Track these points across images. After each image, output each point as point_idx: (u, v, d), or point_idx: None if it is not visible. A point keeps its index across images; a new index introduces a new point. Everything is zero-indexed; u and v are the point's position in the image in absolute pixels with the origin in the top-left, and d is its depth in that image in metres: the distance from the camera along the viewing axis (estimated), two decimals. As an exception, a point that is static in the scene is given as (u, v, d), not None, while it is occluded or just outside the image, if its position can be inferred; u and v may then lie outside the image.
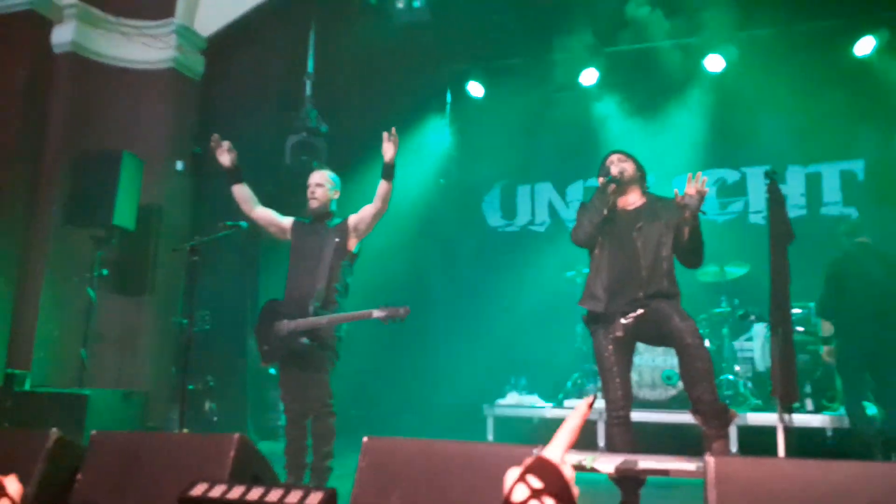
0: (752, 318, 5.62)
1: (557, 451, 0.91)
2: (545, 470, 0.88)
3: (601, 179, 3.65)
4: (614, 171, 3.60)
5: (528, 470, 0.88)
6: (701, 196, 3.32)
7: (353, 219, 4.14)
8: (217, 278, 6.17)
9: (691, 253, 3.48)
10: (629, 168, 3.67)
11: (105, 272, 5.60)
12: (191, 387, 4.46)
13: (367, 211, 4.11)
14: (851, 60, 6.86)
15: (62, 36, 6.05)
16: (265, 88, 7.28)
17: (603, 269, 3.58)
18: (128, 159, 5.63)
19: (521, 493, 0.85)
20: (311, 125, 6.17)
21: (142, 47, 6.31)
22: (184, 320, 5.92)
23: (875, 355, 5.01)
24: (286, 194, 6.97)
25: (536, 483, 0.86)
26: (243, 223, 4.31)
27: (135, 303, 6.01)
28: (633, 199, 3.67)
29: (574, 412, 0.96)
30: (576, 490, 0.90)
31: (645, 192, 3.71)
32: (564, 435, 0.94)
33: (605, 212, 3.55)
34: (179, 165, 6.38)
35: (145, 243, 6.02)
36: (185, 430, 4.19)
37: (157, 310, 6.06)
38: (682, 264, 3.57)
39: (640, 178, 3.71)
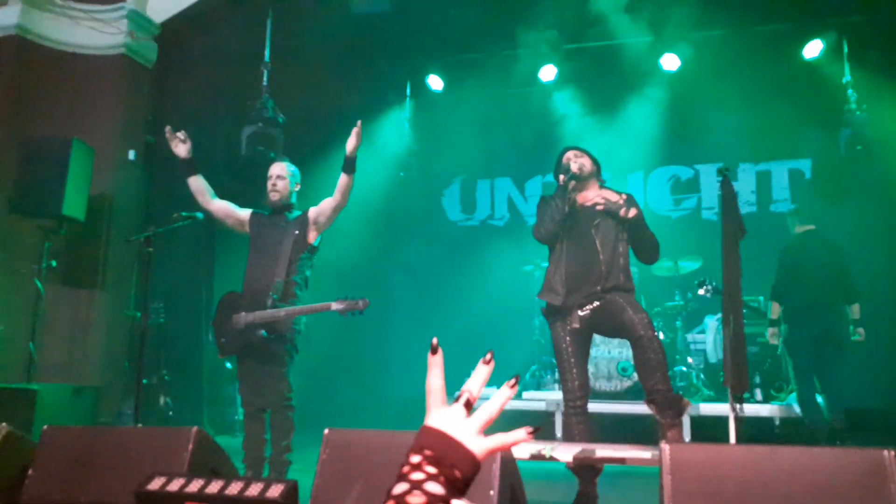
0: (709, 287, 5.76)
1: (470, 427, 0.89)
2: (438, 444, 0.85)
3: (562, 178, 3.67)
4: (574, 167, 3.64)
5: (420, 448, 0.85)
6: (617, 205, 3.56)
7: (312, 211, 4.10)
8: (171, 270, 6.04)
9: (645, 249, 3.66)
10: (587, 164, 3.73)
11: (54, 263, 5.43)
12: (145, 381, 4.35)
13: (327, 204, 4.08)
14: (800, 63, 7.07)
15: (6, 18, 5.83)
16: (220, 77, 7.13)
17: (562, 264, 3.65)
18: (77, 147, 5.45)
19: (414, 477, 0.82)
20: (267, 115, 6.07)
21: (92, 32, 6.11)
22: (137, 313, 5.78)
23: (821, 340, 5.20)
24: (242, 185, 6.86)
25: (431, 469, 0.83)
26: (199, 214, 4.23)
27: (85, 295, 5.83)
28: (590, 195, 3.74)
29: (498, 392, 0.94)
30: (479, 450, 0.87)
31: (601, 187, 3.78)
32: (481, 412, 0.92)
33: (566, 209, 3.60)
34: (132, 154, 6.21)
35: (96, 234, 5.85)
36: (140, 426, 4.10)
37: (108, 302, 5.90)
38: (638, 259, 3.70)
39: (597, 172, 3.81)
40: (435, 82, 8.07)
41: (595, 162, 3.81)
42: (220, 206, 4.17)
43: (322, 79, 7.51)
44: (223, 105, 7.10)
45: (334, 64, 7.50)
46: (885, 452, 2.32)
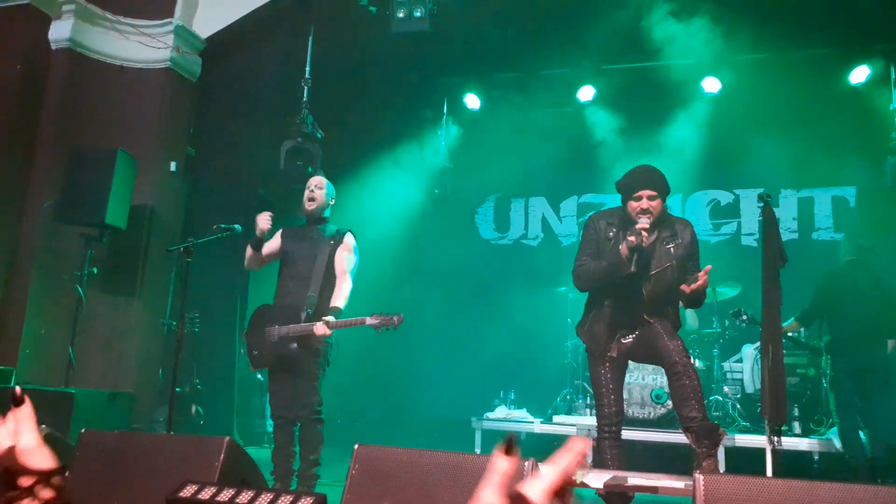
0: (745, 317, 5.63)
1: (539, 488, 0.87)
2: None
3: (624, 249, 3.36)
4: (644, 238, 3.33)
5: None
6: (706, 284, 3.35)
7: (349, 240, 4.12)
8: (208, 281, 6.12)
9: (695, 297, 3.46)
10: (657, 208, 3.43)
11: (95, 271, 5.55)
12: (178, 389, 4.40)
13: (346, 264, 4.06)
14: (846, 88, 6.94)
15: (59, 32, 6.02)
16: (262, 92, 7.27)
17: (606, 312, 3.57)
18: (122, 158, 5.59)
19: None
20: (306, 131, 6.15)
21: (139, 46, 6.28)
22: (173, 322, 5.86)
23: (863, 373, 5.04)
24: (279, 199, 6.97)
25: None
26: (237, 226, 4.30)
27: (123, 302, 5.94)
28: (651, 237, 3.47)
29: (567, 454, 0.91)
30: None
31: (662, 223, 3.52)
32: (554, 472, 0.89)
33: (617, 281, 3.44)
34: (173, 166, 6.34)
35: (136, 243, 5.97)
36: (172, 433, 4.15)
37: (145, 310, 6.00)
38: (683, 304, 3.63)
39: (664, 210, 3.52)
40: (472, 101, 8.10)
41: (666, 194, 3.49)
42: (266, 258, 4.23)
43: (361, 96, 7.61)
44: (263, 119, 7.22)
45: (373, 81, 7.59)
46: (932, 493, 2.23)
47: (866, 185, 7.42)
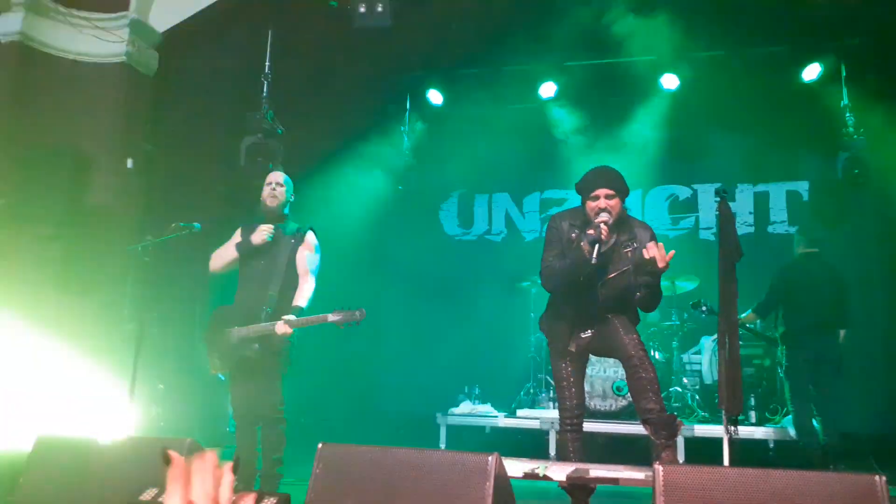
0: (704, 308, 5.76)
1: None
2: None
3: (584, 245, 3.37)
4: (603, 231, 3.36)
5: None
6: (665, 266, 3.32)
7: (310, 239, 4.08)
8: (167, 281, 6.01)
9: (648, 304, 3.55)
10: (615, 207, 3.48)
11: (50, 271, 5.40)
12: (136, 391, 4.32)
13: (308, 263, 4.04)
14: (799, 85, 7.11)
15: (9, 25, 5.83)
16: (221, 87, 7.15)
17: (567, 309, 3.63)
18: (76, 155, 5.45)
19: None
20: (267, 126, 6.08)
21: (93, 40, 6.12)
22: (131, 323, 5.74)
23: (818, 363, 5.19)
24: (239, 195, 6.86)
25: None
26: (196, 224, 4.24)
27: (80, 303, 5.79)
28: (610, 241, 3.52)
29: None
30: None
31: (620, 225, 3.55)
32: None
33: (581, 278, 3.47)
34: (130, 163, 6.19)
35: (92, 242, 5.82)
36: (132, 436, 4.08)
37: (103, 310, 5.86)
38: (639, 308, 3.67)
39: (622, 211, 3.56)
40: (435, 97, 8.10)
41: (625, 194, 3.54)
42: (224, 265, 4.15)
43: (322, 91, 7.54)
44: (223, 115, 7.10)
45: (335, 77, 7.52)
46: (877, 478, 2.32)
47: (819, 180, 7.63)
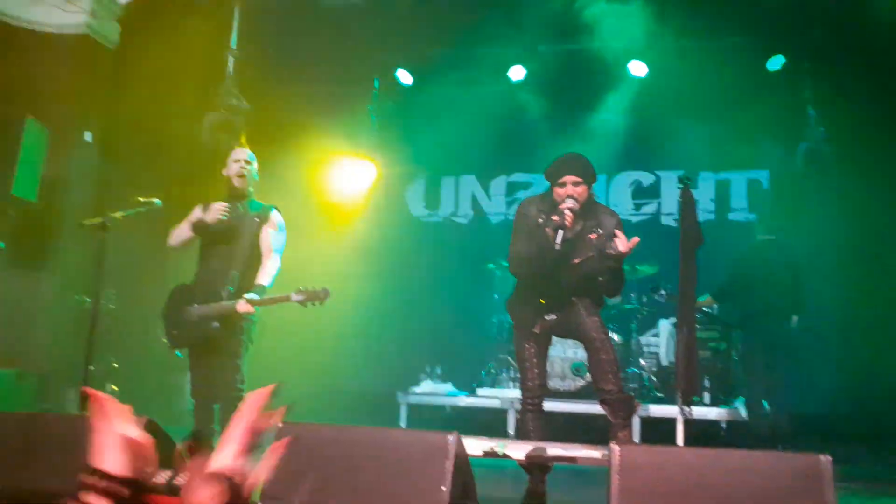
0: (662, 292, 5.88)
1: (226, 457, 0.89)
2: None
3: (549, 231, 3.43)
4: (567, 217, 3.40)
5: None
6: (628, 251, 3.38)
7: (275, 218, 4.04)
8: (125, 257, 5.89)
9: (610, 290, 3.64)
10: (582, 194, 3.51)
11: (2, 245, 5.26)
12: (91, 368, 4.25)
13: (272, 242, 4.00)
14: (764, 76, 7.20)
15: (-38, -10, 5.63)
16: (185, 61, 6.98)
17: (533, 294, 3.67)
18: (31, 126, 5.29)
19: None
20: (231, 102, 5.97)
21: (53, 10, 5.93)
22: (87, 299, 5.64)
23: (771, 347, 5.33)
24: (200, 173, 6.73)
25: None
26: (157, 200, 4.16)
27: (34, 278, 5.67)
28: (576, 227, 3.56)
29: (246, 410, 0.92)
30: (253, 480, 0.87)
31: (586, 212, 3.58)
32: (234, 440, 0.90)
33: (547, 262, 3.51)
34: (88, 136, 6.05)
35: (47, 216, 5.69)
36: (85, 413, 4.02)
37: (58, 286, 5.74)
38: (601, 292, 3.71)
39: (588, 198, 3.60)
40: (404, 76, 8.03)
41: (592, 181, 3.58)
42: (179, 241, 4.10)
43: (289, 68, 7.42)
44: (186, 90, 6.95)
45: (302, 54, 7.41)
46: (822, 457, 2.41)
47: (779, 169, 7.78)
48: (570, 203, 3.45)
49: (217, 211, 3.90)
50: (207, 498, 0.81)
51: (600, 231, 3.57)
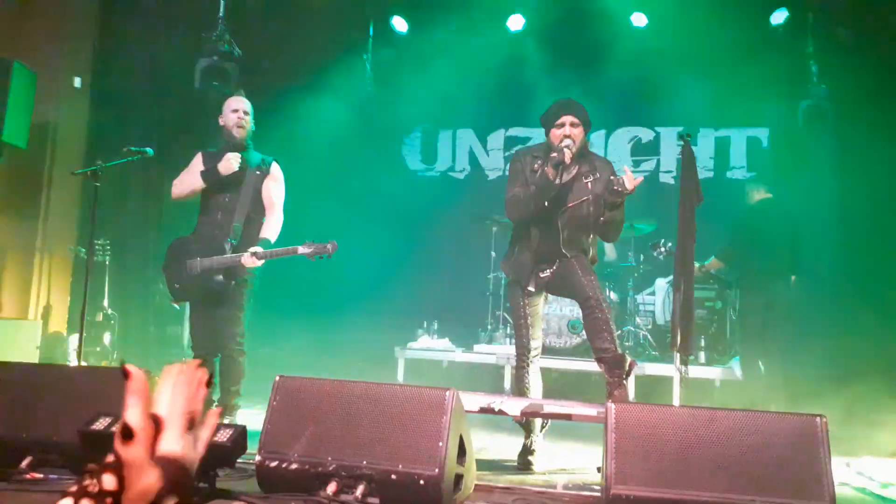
0: (663, 249, 5.85)
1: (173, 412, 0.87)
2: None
3: (549, 170, 3.41)
4: (566, 156, 3.42)
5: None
6: (633, 189, 3.35)
7: (276, 171, 3.97)
8: (120, 206, 5.84)
9: (610, 232, 3.61)
10: (579, 137, 3.52)
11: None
12: (88, 318, 4.23)
13: (274, 195, 3.94)
14: (767, 31, 7.07)
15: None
16: (176, 5, 6.79)
17: (529, 242, 3.64)
18: (19, 71, 5.15)
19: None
20: (223, 49, 5.82)
21: (38, -51, 5.73)
22: (82, 248, 5.59)
23: (769, 307, 5.34)
24: (193, 119, 6.60)
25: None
26: (149, 150, 4.08)
27: (27, 227, 5.60)
28: (573, 170, 3.57)
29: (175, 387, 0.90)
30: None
31: (582, 156, 3.60)
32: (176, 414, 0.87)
33: (546, 203, 3.49)
34: (77, 82, 5.91)
35: (39, 164, 5.59)
36: (83, 363, 4.01)
37: (51, 236, 5.68)
38: (600, 237, 3.73)
39: (585, 143, 3.62)
40: (399, 24, 7.83)
41: (588, 127, 3.60)
42: (189, 191, 3.99)
43: (282, 13, 7.22)
44: (178, 35, 6.77)
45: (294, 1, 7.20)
46: (818, 419, 2.42)
47: (779, 127, 7.70)
48: (568, 142, 3.46)
49: (231, 160, 3.81)
50: (152, 483, 0.79)
51: (596, 175, 3.57)
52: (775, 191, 5.58)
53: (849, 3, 6.73)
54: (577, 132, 3.53)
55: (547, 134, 3.62)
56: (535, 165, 3.58)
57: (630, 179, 3.32)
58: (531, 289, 3.66)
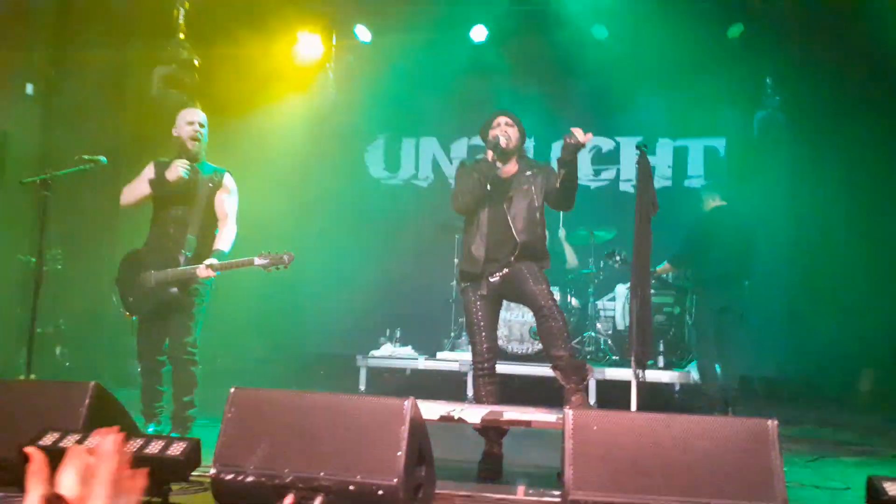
0: (618, 258, 5.97)
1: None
2: None
3: (489, 154, 3.59)
4: (502, 141, 3.58)
5: None
6: (584, 143, 3.43)
7: (228, 183, 3.94)
8: (72, 215, 5.70)
9: (564, 195, 3.61)
10: (514, 135, 3.68)
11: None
12: (39, 330, 4.11)
13: (227, 207, 3.92)
14: (724, 43, 7.24)
15: None
16: (133, 12, 6.68)
17: (480, 235, 3.67)
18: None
19: None
20: (182, 56, 5.74)
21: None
22: (32, 258, 5.44)
23: (723, 312, 5.45)
24: (148, 128, 6.49)
25: None
26: (103, 158, 4.00)
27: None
28: (510, 168, 3.71)
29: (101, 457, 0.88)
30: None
31: (521, 158, 3.75)
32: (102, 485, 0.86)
33: (488, 185, 3.58)
34: (29, 88, 5.77)
35: (-13, 172, 5.44)
36: (33, 377, 3.90)
37: (1, 245, 5.52)
38: (554, 208, 3.74)
39: (522, 144, 3.77)
40: (363, 33, 7.83)
41: (523, 133, 3.77)
42: (135, 201, 3.94)
43: (243, 21, 7.15)
44: (135, 42, 6.66)
45: (257, 7, 7.15)
46: (769, 422, 2.47)
47: (736, 137, 7.88)
48: (504, 136, 3.60)
49: (179, 167, 3.76)
50: None
51: (536, 170, 3.68)
52: (730, 198, 5.70)
53: (802, 17, 6.92)
54: (513, 131, 3.67)
55: (484, 140, 3.74)
56: (474, 175, 3.63)
57: (580, 133, 3.40)
58: (483, 293, 3.65)
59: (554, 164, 3.71)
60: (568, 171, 3.50)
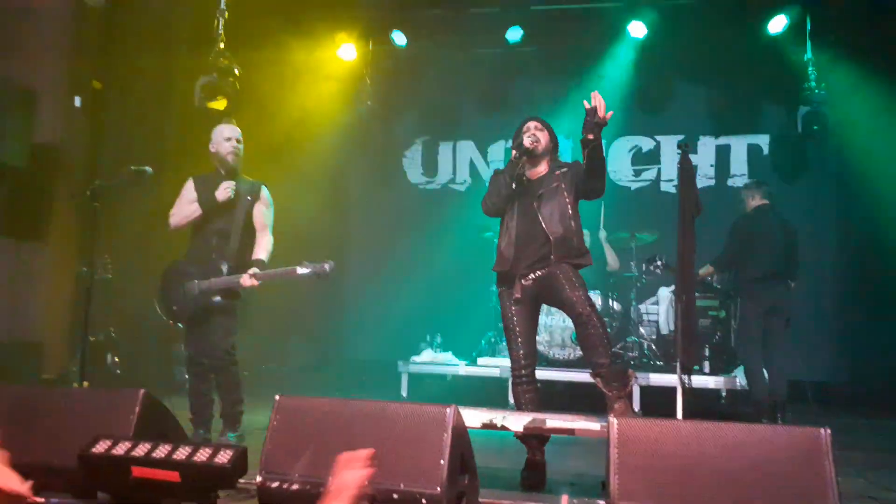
0: (659, 263, 5.86)
1: None
2: None
3: (514, 152, 3.59)
4: (527, 142, 3.57)
5: None
6: (606, 121, 3.41)
7: (265, 196, 4.06)
8: (121, 225, 5.84)
9: (592, 175, 3.51)
10: (543, 139, 3.67)
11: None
12: (91, 338, 4.24)
13: (265, 219, 4.02)
14: (765, 38, 7.07)
15: (-56, -50, 5.45)
16: (175, 22, 6.83)
17: (509, 235, 3.64)
18: (19, 90, 5.17)
19: None
20: (222, 66, 5.83)
21: (38, -31, 5.77)
22: (83, 268, 5.60)
23: (770, 314, 5.31)
24: (190, 139, 6.63)
25: None
26: (148, 168, 4.11)
27: (28, 248, 5.61)
28: (540, 169, 3.70)
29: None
30: None
31: (552, 161, 3.73)
32: None
33: (514, 185, 3.57)
34: (77, 101, 5.92)
35: (39, 184, 5.60)
36: (86, 384, 4.02)
37: (53, 256, 5.69)
38: (585, 197, 3.64)
39: (553, 148, 3.74)
40: (399, 38, 7.87)
41: (553, 139, 3.75)
42: (187, 221, 4.02)
43: (282, 29, 7.26)
44: (177, 52, 6.81)
45: (295, 14, 7.24)
46: (822, 431, 2.40)
47: (779, 134, 7.70)
48: (533, 137, 3.61)
49: (227, 189, 3.91)
50: None
51: (566, 169, 3.65)
52: (773, 197, 5.57)
53: (846, 9, 6.73)
54: (542, 135, 3.67)
55: (515, 148, 3.68)
56: (503, 177, 3.65)
57: (602, 106, 3.39)
58: (518, 296, 3.60)
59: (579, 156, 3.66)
60: (591, 150, 3.43)
